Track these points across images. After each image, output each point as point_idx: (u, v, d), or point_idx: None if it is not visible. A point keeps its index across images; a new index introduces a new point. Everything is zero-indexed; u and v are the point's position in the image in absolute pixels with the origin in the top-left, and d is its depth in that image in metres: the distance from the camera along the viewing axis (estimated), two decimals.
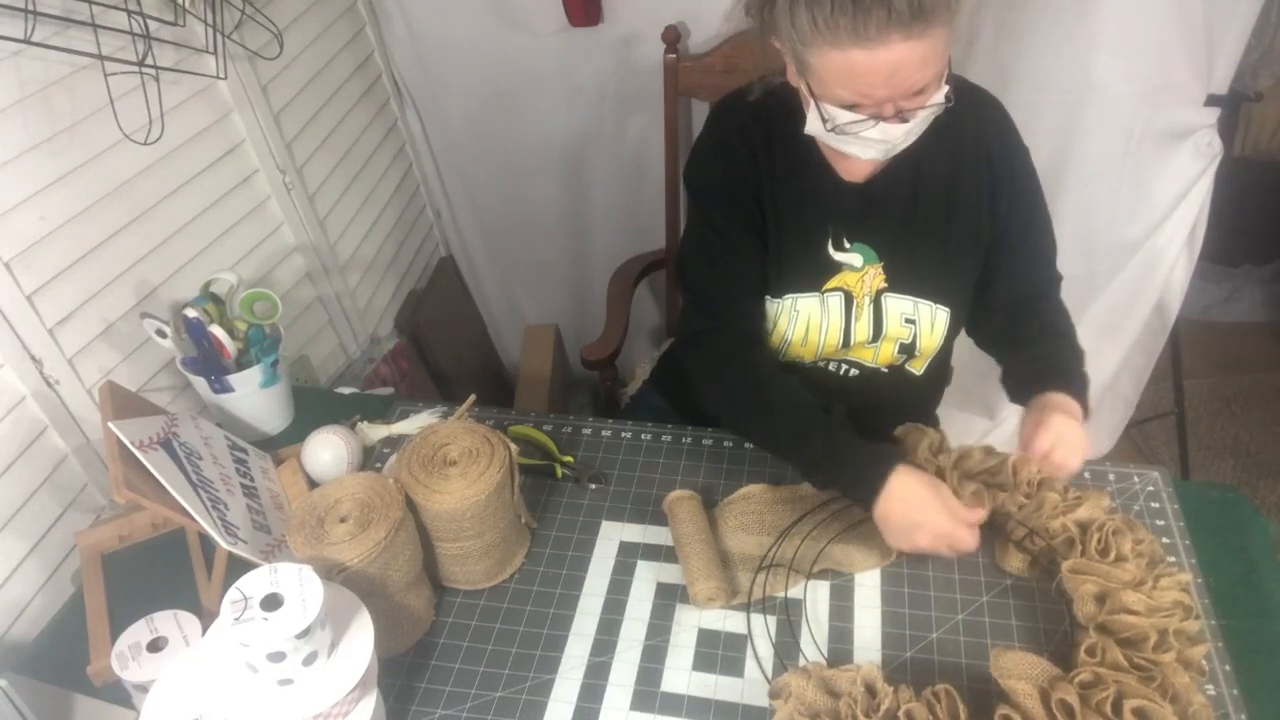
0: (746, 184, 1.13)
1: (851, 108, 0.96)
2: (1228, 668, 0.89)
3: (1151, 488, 1.09)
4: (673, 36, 1.59)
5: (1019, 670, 0.83)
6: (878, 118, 0.96)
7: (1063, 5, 1.48)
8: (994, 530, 1.02)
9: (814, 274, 1.15)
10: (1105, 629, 0.86)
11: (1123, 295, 1.81)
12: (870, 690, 0.84)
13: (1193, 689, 0.80)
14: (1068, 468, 0.97)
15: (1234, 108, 1.65)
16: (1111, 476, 1.10)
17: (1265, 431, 2.32)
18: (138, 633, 0.94)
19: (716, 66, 1.59)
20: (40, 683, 0.97)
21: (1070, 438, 0.97)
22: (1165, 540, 1.02)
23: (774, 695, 0.88)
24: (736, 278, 1.15)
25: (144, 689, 0.90)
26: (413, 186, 2.09)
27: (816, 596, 1.00)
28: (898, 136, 0.98)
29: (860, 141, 1.00)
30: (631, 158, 1.96)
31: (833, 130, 0.99)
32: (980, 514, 0.98)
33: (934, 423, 1.38)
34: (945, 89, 0.97)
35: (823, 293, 1.15)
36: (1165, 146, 1.62)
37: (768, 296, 1.16)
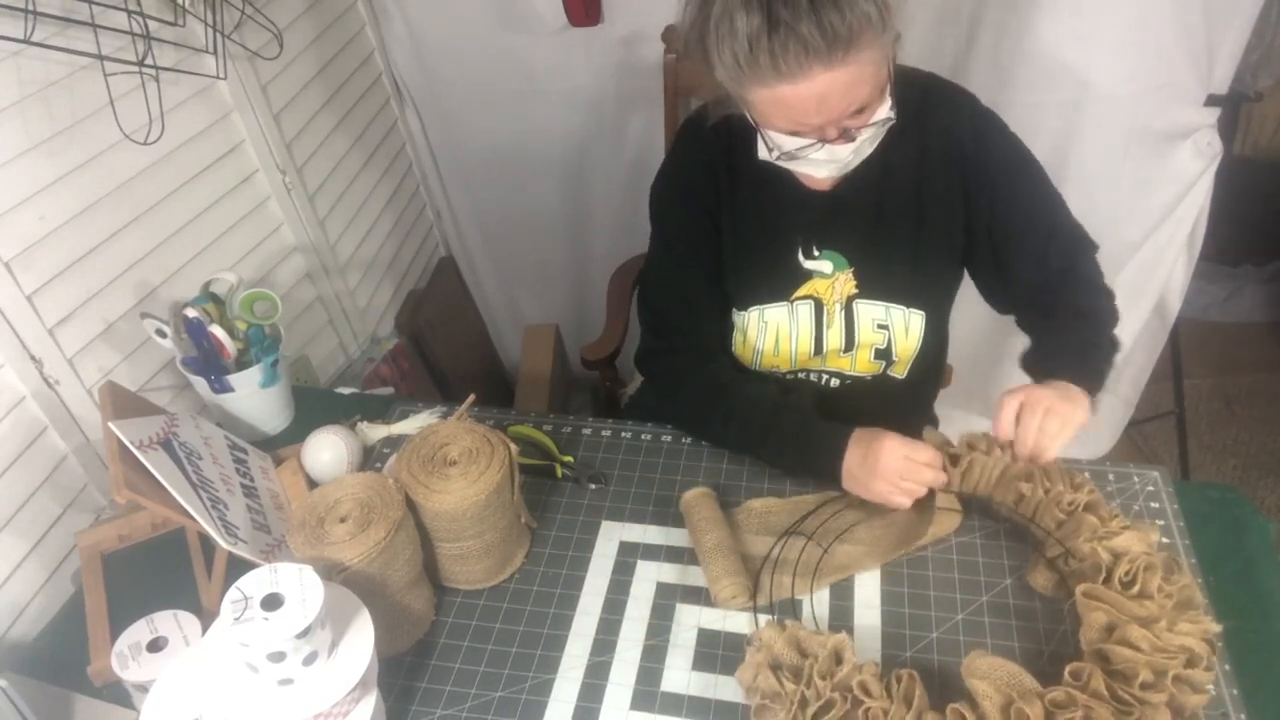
0: (702, 205, 1.15)
1: (794, 134, 0.96)
2: (1227, 668, 0.89)
3: (1151, 488, 1.09)
4: (673, 36, 1.58)
5: (991, 674, 0.82)
6: (822, 140, 0.96)
7: (1063, 5, 1.48)
8: (1028, 546, 1.02)
9: (784, 283, 1.15)
10: (1101, 656, 0.84)
11: (1123, 295, 1.79)
12: (837, 658, 0.85)
13: None
14: (1043, 456, 0.97)
15: (1234, 108, 1.65)
16: (1111, 476, 1.10)
17: (1265, 431, 2.32)
18: (138, 633, 0.94)
19: None
20: (40, 683, 0.97)
21: (1049, 428, 0.96)
22: (1165, 540, 1.02)
23: (748, 643, 0.89)
24: (692, 299, 1.18)
25: (144, 689, 0.90)
26: (413, 186, 2.09)
27: (817, 597, 1.00)
28: (845, 156, 0.99)
29: (810, 163, 1.01)
30: (631, 158, 1.96)
31: (780, 157, 1.00)
32: (933, 453, 1.00)
33: (932, 423, 1.38)
34: (888, 103, 0.97)
35: (792, 301, 1.15)
36: (1165, 146, 1.62)
37: (734, 309, 1.18)
